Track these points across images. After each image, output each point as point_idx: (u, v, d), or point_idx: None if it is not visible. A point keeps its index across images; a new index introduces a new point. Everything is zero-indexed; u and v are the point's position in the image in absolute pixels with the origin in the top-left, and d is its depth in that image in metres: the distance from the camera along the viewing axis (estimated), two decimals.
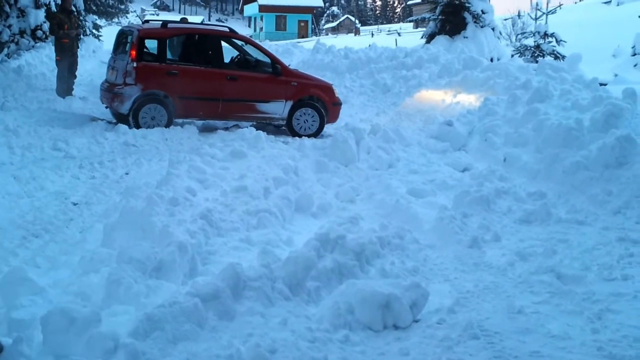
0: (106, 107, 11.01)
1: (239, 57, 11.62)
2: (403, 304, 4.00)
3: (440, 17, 21.14)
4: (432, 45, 19.92)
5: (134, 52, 10.27)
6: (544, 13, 22.33)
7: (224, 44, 11.34)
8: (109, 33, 23.03)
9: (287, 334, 3.68)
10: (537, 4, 22.58)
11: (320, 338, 3.71)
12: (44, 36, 13.67)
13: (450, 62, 15.39)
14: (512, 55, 20.43)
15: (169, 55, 10.91)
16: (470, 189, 6.85)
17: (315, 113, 11.14)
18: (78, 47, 13.07)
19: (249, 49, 11.60)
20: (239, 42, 11.67)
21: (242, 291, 4.04)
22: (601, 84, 12.20)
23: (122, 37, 10.99)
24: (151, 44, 10.63)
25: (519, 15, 26.15)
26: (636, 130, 7.83)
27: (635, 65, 18.76)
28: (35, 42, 14.23)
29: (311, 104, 11.14)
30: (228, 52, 11.78)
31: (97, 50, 20.00)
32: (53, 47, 13.44)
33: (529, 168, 8.00)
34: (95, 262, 4.66)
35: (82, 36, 14.42)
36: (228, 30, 11.46)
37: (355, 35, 56.34)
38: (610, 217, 6.20)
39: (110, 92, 10.53)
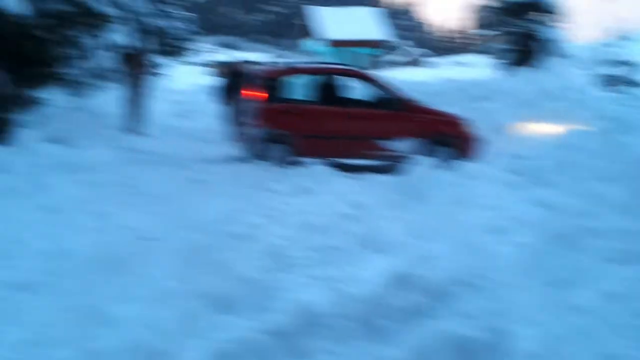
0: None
1: (362, 95, 11.55)
2: (483, 347, 3.71)
3: (513, 47, 20.48)
4: (509, 76, 19.37)
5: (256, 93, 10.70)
6: (625, 40, 21.56)
7: (345, 81, 11.40)
8: (177, 72, 23.40)
9: None
10: (619, 34, 21.81)
11: None
12: (116, 77, 14.05)
13: (526, 93, 14.95)
14: (594, 86, 19.66)
15: (291, 95, 11.05)
16: (552, 226, 6.47)
17: (445, 149, 10.72)
18: (146, 87, 13.40)
19: (371, 86, 11.32)
20: (361, 80, 11.47)
21: (312, 328, 3.88)
22: None
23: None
24: (274, 84, 10.92)
25: (600, 44, 25.18)
26: None
27: None
28: (107, 83, 14.65)
29: (440, 140, 10.78)
30: (354, 91, 11.81)
31: (165, 90, 20.47)
32: (124, 87, 13.85)
33: (617, 204, 7.50)
34: (166, 296, 4.63)
35: (151, 75, 14.77)
36: (348, 68, 11.58)
37: (419, 67, 55.46)
38: None
39: (238, 133, 11.19)
